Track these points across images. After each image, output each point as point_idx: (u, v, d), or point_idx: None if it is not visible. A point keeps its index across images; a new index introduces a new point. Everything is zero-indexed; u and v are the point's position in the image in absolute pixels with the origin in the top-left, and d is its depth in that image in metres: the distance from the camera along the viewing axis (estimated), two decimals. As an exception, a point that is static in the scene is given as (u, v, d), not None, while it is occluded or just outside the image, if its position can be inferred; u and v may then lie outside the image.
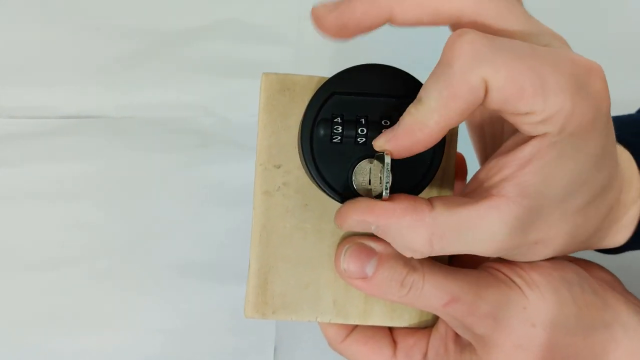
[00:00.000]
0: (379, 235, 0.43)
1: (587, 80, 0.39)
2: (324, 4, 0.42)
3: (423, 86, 0.39)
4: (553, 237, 0.42)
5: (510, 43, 0.38)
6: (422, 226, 0.41)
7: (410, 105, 0.40)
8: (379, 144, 0.41)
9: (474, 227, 0.41)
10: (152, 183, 0.72)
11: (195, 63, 0.74)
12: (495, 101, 0.38)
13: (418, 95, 0.39)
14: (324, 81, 0.45)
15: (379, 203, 0.42)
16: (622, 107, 0.56)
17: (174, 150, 0.73)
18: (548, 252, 0.44)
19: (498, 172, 0.41)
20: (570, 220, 0.42)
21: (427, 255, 0.42)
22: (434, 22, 0.42)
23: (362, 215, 0.42)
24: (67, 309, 0.69)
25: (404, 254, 0.43)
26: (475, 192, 0.43)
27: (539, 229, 0.42)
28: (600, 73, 0.40)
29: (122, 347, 0.69)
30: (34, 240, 0.70)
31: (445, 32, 0.43)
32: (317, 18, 0.42)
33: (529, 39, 0.41)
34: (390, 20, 0.42)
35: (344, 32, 0.42)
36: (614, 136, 0.43)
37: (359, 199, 0.43)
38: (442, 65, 0.38)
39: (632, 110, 0.60)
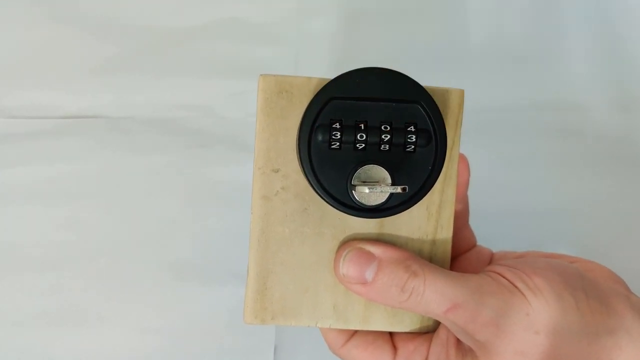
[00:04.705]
0: None
1: None
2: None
3: None
4: None
5: None
6: None
7: None
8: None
9: None
10: (152, 183, 0.72)
11: (195, 63, 0.74)
12: None
13: None
14: (322, 85, 0.45)
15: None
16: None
17: (173, 151, 0.72)
18: None
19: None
20: None
21: None
22: None
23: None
24: (67, 309, 0.69)
25: None
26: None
27: None
28: None
29: (121, 347, 0.69)
30: (34, 240, 0.70)
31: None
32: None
33: None
34: None
35: None
36: None
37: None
38: None
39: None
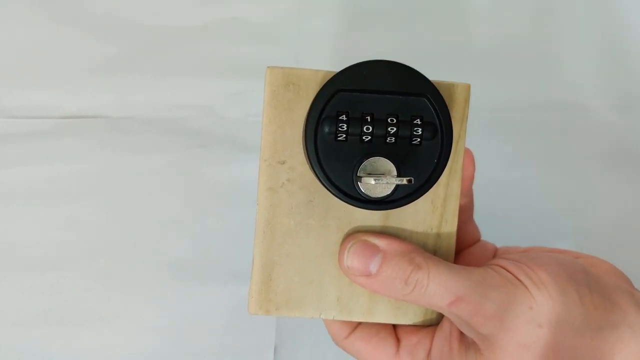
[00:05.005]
0: None
1: None
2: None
3: None
4: None
5: None
6: None
7: None
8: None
9: None
10: (152, 183, 0.72)
11: (195, 63, 0.74)
12: None
13: None
14: (329, 77, 0.45)
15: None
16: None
17: (173, 150, 0.72)
18: None
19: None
20: None
21: None
22: None
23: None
24: (67, 309, 0.69)
25: None
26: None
27: None
28: None
29: (122, 347, 0.69)
30: (34, 240, 0.70)
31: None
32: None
33: None
34: None
35: None
36: None
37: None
38: None
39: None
